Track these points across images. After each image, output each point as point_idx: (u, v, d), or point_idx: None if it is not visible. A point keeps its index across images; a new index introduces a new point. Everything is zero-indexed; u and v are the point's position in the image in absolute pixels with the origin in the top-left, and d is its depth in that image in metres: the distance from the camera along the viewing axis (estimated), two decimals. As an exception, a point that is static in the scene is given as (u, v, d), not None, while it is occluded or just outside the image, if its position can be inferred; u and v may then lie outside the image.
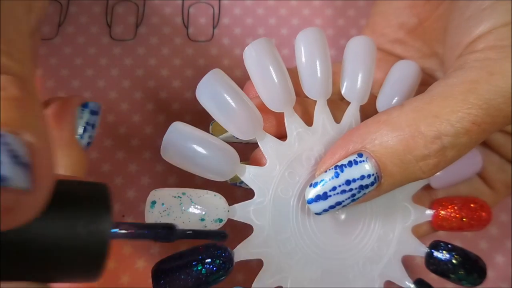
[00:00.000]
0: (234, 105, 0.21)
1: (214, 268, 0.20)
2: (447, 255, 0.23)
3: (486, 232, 0.30)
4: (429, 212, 0.24)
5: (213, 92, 0.21)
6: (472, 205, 0.24)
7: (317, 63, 0.23)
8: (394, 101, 0.24)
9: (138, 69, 0.33)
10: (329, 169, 0.20)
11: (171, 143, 0.21)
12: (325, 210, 0.21)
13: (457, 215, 0.23)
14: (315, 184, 0.20)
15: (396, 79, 0.24)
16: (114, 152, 0.30)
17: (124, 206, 0.29)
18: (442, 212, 0.24)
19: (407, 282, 0.23)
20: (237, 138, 0.22)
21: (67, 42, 0.33)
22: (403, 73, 0.24)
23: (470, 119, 0.19)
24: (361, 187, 0.20)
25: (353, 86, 0.23)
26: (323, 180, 0.20)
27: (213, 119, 0.22)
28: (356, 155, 0.20)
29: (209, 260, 0.20)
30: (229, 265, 0.20)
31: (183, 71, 0.33)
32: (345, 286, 0.22)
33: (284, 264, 0.21)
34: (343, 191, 0.20)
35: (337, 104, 0.25)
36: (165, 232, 0.17)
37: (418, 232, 0.24)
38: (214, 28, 0.34)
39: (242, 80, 0.32)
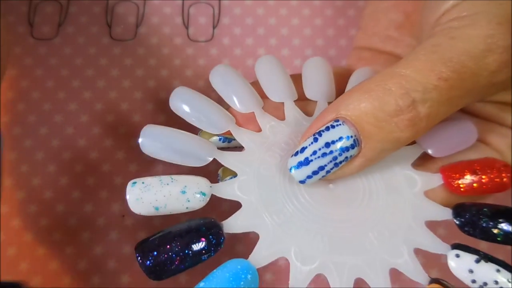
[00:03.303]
0: (205, 106, 0.23)
1: (205, 245, 0.19)
2: (478, 209, 0.20)
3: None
4: (437, 175, 0.22)
5: (185, 100, 0.23)
6: (483, 161, 0.22)
7: (276, 72, 0.25)
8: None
9: (138, 69, 0.33)
10: (309, 138, 0.21)
11: (148, 136, 0.22)
12: (309, 177, 0.21)
13: (469, 169, 0.22)
14: (296, 153, 0.21)
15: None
16: (114, 152, 0.30)
17: (125, 205, 0.29)
18: (452, 173, 0.22)
19: (442, 247, 0.20)
20: (223, 142, 0.23)
21: (67, 42, 0.33)
22: (361, 78, 0.26)
23: (435, 75, 0.20)
24: (342, 150, 0.20)
25: (314, 87, 0.25)
26: (304, 147, 0.21)
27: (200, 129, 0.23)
28: (333, 121, 0.21)
29: (199, 237, 0.19)
30: (220, 240, 0.19)
31: (183, 71, 0.33)
32: (366, 255, 0.20)
33: (281, 234, 0.20)
34: (324, 154, 0.20)
35: (307, 103, 0.26)
36: None
37: (436, 199, 0.22)
38: (214, 28, 0.34)
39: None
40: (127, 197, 0.20)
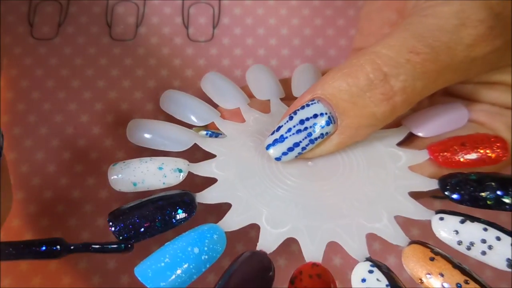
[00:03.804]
0: (192, 103, 0.25)
1: (177, 212, 0.19)
2: (465, 177, 0.19)
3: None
4: (423, 151, 0.22)
5: (173, 100, 0.25)
6: (471, 135, 0.21)
7: (263, 74, 0.27)
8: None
9: (138, 69, 0.33)
10: (285, 118, 0.21)
11: (135, 127, 0.23)
12: (284, 153, 0.21)
13: (457, 143, 0.21)
14: (273, 132, 0.21)
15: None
16: (114, 152, 0.30)
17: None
18: (438, 146, 0.21)
19: (425, 214, 0.20)
20: (210, 136, 0.24)
21: (67, 42, 0.33)
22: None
23: (406, 49, 0.20)
24: (316, 126, 0.21)
25: (301, 86, 0.26)
26: (279, 126, 0.21)
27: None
28: (309, 101, 0.21)
29: (170, 204, 0.19)
30: (192, 207, 0.20)
31: (183, 71, 0.33)
32: (342, 220, 0.20)
33: (254, 202, 0.20)
34: (298, 131, 0.21)
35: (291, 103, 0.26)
36: (49, 249, 0.17)
37: (423, 174, 0.22)
38: (214, 28, 0.34)
39: (243, 79, 0.33)
40: (109, 175, 0.21)
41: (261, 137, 0.23)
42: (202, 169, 0.22)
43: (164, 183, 0.20)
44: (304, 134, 0.21)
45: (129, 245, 0.19)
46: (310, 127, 0.21)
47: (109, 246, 0.20)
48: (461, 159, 0.21)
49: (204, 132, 0.24)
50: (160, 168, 0.20)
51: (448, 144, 0.22)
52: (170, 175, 0.20)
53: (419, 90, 0.21)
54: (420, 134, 0.23)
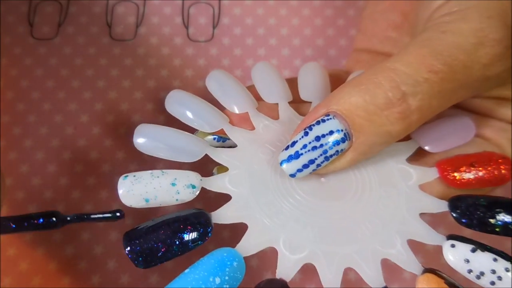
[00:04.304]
0: (199, 106, 0.23)
1: (193, 234, 0.19)
2: (474, 201, 0.20)
3: (486, 232, 0.30)
4: (432, 169, 0.22)
5: (180, 102, 0.24)
6: (482, 155, 0.21)
7: (271, 75, 0.26)
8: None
9: (138, 69, 0.33)
10: (300, 132, 0.21)
11: (143, 134, 0.22)
12: (299, 170, 0.21)
13: (466, 162, 0.21)
14: (287, 147, 0.21)
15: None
16: (114, 152, 0.30)
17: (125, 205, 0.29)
18: (449, 166, 0.21)
19: (437, 238, 0.20)
20: (217, 141, 0.24)
21: (67, 42, 0.33)
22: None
23: (425, 68, 0.20)
24: (333, 143, 0.20)
25: (309, 89, 0.25)
26: (294, 141, 0.21)
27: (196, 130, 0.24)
28: (324, 116, 0.21)
29: (186, 226, 0.19)
30: (208, 229, 0.19)
31: (183, 71, 0.33)
32: (358, 245, 0.20)
33: (270, 225, 0.20)
34: (314, 148, 0.20)
35: (302, 105, 0.26)
36: (46, 221, 0.18)
37: (432, 192, 0.22)
38: (214, 28, 0.34)
39: (243, 79, 0.33)
40: (118, 189, 0.20)
41: (272, 148, 0.22)
42: (215, 184, 0.21)
43: (177, 200, 0.20)
44: (319, 151, 0.20)
45: (120, 214, 0.20)
46: (326, 143, 0.20)
47: (103, 216, 0.20)
48: (471, 177, 0.21)
49: (211, 137, 0.24)
50: (173, 184, 0.20)
51: (458, 163, 0.22)
52: (183, 192, 0.20)
53: (434, 109, 0.21)
54: (427, 149, 0.23)
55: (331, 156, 0.21)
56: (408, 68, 0.20)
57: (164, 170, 0.20)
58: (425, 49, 0.20)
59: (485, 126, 0.24)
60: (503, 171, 0.21)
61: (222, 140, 0.24)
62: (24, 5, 0.34)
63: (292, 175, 0.21)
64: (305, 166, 0.21)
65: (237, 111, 0.24)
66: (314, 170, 0.21)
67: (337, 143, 0.20)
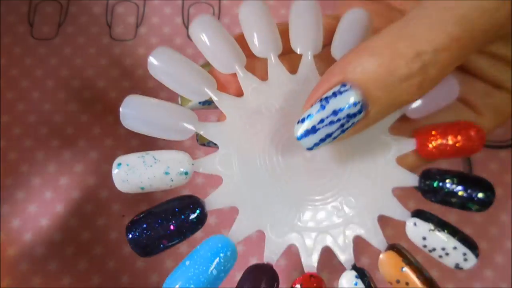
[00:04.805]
0: (184, 71, 0.23)
1: (190, 224, 0.20)
2: (442, 178, 0.21)
3: (486, 232, 0.30)
4: (411, 140, 0.23)
5: (166, 63, 0.23)
6: (456, 125, 0.22)
7: (261, 22, 0.24)
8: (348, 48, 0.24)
9: (138, 69, 0.33)
10: (315, 104, 0.20)
11: (129, 110, 0.22)
12: (316, 144, 0.20)
13: (442, 136, 0.22)
14: (303, 120, 0.20)
15: (345, 28, 0.24)
16: (114, 152, 0.30)
17: (125, 205, 0.29)
18: (425, 137, 0.22)
19: (403, 214, 0.21)
20: (202, 105, 0.24)
21: (67, 42, 0.33)
22: (352, 21, 0.25)
23: (447, 35, 0.19)
24: (349, 116, 0.20)
25: (301, 37, 0.24)
26: (310, 114, 0.20)
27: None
28: (340, 86, 0.20)
29: (183, 216, 0.20)
30: (203, 216, 0.20)
31: (183, 71, 0.33)
32: (335, 226, 0.21)
33: (259, 209, 0.21)
34: (331, 122, 0.20)
35: (290, 58, 0.25)
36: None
37: (405, 164, 0.23)
38: (214, 28, 0.34)
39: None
40: (114, 179, 0.21)
41: (260, 119, 0.22)
42: (206, 166, 0.22)
43: (171, 186, 0.21)
44: (337, 125, 0.20)
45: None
46: (344, 118, 0.20)
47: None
48: (442, 149, 0.22)
49: (197, 102, 0.23)
50: (167, 173, 0.21)
51: (433, 132, 0.22)
52: (176, 179, 0.21)
53: (447, 74, 0.20)
54: (408, 115, 0.23)
55: (347, 128, 0.20)
56: (429, 34, 0.19)
57: (155, 156, 0.21)
58: (447, 13, 0.19)
59: (470, 89, 0.24)
60: (475, 143, 0.22)
61: (208, 103, 0.23)
62: (24, 5, 0.34)
63: (310, 149, 0.21)
64: (322, 140, 0.20)
65: (224, 71, 0.23)
66: (330, 142, 0.21)
67: (353, 115, 0.20)
